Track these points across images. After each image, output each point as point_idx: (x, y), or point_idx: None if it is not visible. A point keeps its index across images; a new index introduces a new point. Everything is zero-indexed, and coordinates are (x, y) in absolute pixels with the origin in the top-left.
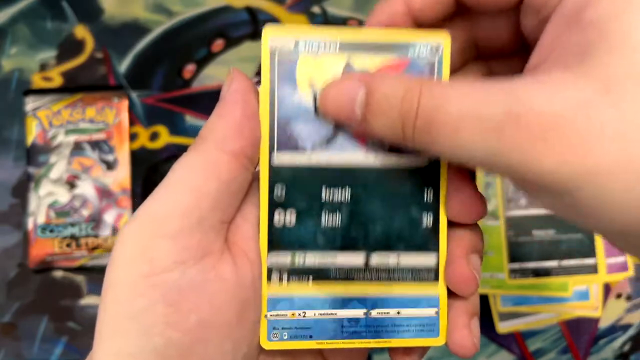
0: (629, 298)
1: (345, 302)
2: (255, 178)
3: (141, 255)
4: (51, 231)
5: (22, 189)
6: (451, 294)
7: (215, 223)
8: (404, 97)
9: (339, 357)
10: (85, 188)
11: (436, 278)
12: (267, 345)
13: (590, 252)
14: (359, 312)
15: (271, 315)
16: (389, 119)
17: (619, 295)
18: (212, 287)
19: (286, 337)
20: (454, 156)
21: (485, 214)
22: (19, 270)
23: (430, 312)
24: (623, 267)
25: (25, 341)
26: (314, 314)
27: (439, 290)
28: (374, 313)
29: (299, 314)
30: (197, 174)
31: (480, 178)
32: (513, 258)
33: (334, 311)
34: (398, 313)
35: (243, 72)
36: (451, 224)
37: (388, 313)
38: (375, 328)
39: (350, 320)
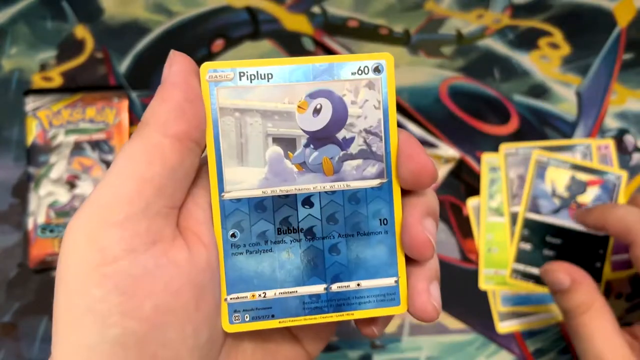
0: (629, 298)
1: (305, 279)
2: (205, 162)
3: (90, 246)
4: (51, 231)
5: (22, 189)
6: (410, 261)
7: (162, 209)
8: None
9: (307, 333)
10: (86, 188)
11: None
12: (229, 328)
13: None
14: (319, 288)
15: (231, 299)
16: None
17: (619, 295)
18: (166, 272)
19: (248, 319)
20: None
21: (436, 179)
22: (19, 270)
23: (389, 281)
24: (627, 265)
25: (25, 341)
26: (275, 294)
27: (397, 258)
28: (334, 287)
29: (259, 295)
30: (140, 159)
31: (485, 173)
32: (520, 259)
33: (294, 289)
34: (358, 285)
35: (183, 54)
36: (405, 192)
37: (348, 286)
38: (337, 302)
39: (311, 296)
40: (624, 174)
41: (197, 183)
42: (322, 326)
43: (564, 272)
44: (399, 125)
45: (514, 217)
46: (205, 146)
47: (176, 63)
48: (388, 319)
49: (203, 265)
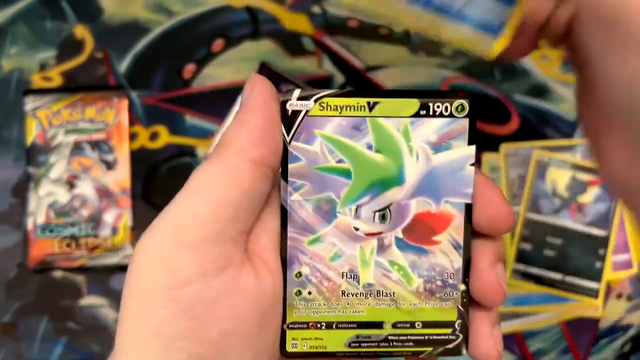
0: (629, 298)
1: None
2: (274, 187)
3: (162, 267)
4: (51, 231)
5: (21, 189)
6: (474, 303)
7: (235, 234)
8: None
9: None
10: (85, 188)
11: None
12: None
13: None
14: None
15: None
16: None
17: (619, 296)
18: (234, 298)
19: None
20: None
21: (514, 226)
22: (19, 271)
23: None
24: (628, 265)
25: (25, 341)
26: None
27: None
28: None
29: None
30: (218, 182)
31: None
32: (520, 259)
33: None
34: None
35: (265, 78)
36: (475, 235)
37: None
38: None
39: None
40: None
41: (264, 208)
42: None
43: None
44: None
45: (518, 215)
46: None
47: (257, 86)
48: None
49: (269, 292)
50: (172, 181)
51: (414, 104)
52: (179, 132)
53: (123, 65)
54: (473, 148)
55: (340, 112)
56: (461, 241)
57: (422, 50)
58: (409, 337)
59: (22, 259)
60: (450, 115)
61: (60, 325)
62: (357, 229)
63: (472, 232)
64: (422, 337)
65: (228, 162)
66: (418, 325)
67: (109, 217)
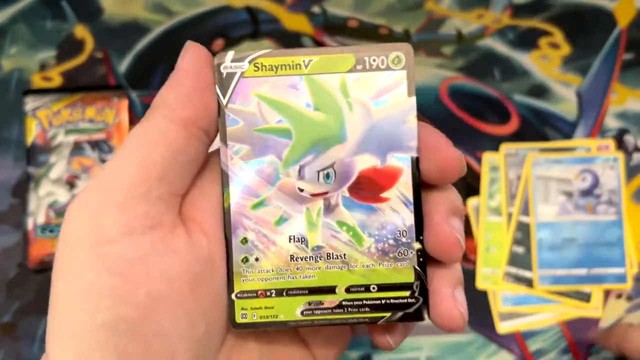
0: (629, 298)
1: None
2: (213, 154)
3: (88, 225)
4: (51, 231)
5: (21, 189)
6: (431, 264)
7: (163, 194)
8: None
9: (315, 337)
10: None
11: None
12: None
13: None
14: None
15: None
16: None
17: (619, 296)
18: (163, 259)
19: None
20: None
21: (464, 172)
22: (19, 270)
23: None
24: (622, 279)
25: (25, 341)
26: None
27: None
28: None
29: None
30: (145, 143)
31: (485, 172)
32: (512, 262)
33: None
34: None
35: (199, 44)
36: (426, 186)
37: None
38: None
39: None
40: (620, 155)
41: (203, 175)
42: (332, 331)
43: None
44: None
45: (511, 217)
46: (215, 136)
47: (190, 52)
48: (406, 328)
49: (203, 255)
50: None
51: (349, 58)
52: None
53: (123, 65)
54: (413, 99)
55: (276, 72)
56: (411, 197)
57: (422, 50)
58: (364, 301)
59: (22, 259)
60: (387, 68)
61: None
62: (301, 190)
63: (423, 185)
64: (378, 302)
65: (155, 123)
66: (373, 288)
67: None
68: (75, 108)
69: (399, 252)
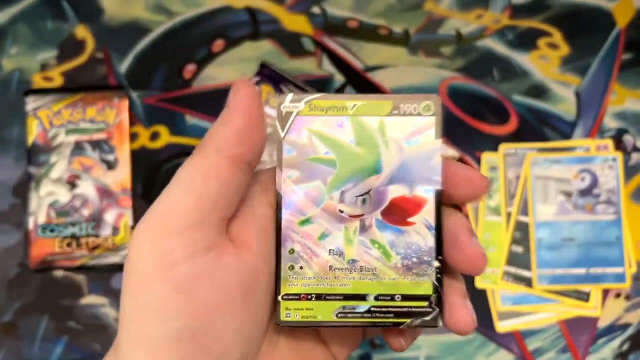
0: (628, 298)
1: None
2: (256, 180)
3: (154, 250)
4: (52, 231)
5: (22, 188)
6: (447, 277)
7: (216, 220)
8: None
9: (335, 337)
10: (86, 188)
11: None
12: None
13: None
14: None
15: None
16: None
17: (618, 295)
18: (218, 275)
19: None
20: None
21: (489, 186)
22: (20, 270)
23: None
24: (621, 279)
25: (25, 341)
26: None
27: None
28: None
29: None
30: (199, 176)
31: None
32: (510, 262)
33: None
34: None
35: (249, 81)
36: (451, 212)
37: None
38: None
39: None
40: (619, 155)
41: (247, 198)
42: (348, 333)
43: None
44: None
45: (510, 217)
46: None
47: (241, 89)
48: (416, 333)
49: (250, 270)
50: None
51: (388, 105)
52: (180, 132)
53: (124, 66)
54: (440, 141)
55: (326, 112)
56: (433, 222)
57: (422, 51)
58: (390, 309)
59: (23, 259)
60: (419, 114)
61: (61, 324)
62: (342, 212)
63: (452, 207)
64: (401, 310)
65: (208, 157)
66: (398, 298)
67: (109, 217)
68: (76, 108)
69: (421, 268)
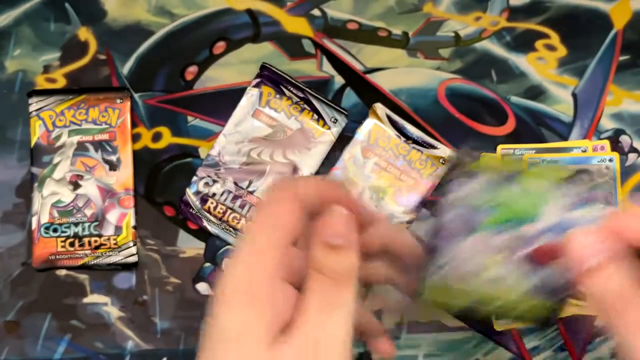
0: None
1: None
2: None
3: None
4: (54, 230)
5: (25, 188)
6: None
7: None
8: None
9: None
10: (89, 188)
11: None
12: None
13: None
14: None
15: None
16: None
17: None
18: None
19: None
20: None
21: None
22: (23, 269)
23: None
24: None
25: (28, 339)
26: None
27: None
28: None
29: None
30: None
31: None
32: None
33: None
34: None
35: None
36: None
37: None
38: None
39: None
40: (616, 155)
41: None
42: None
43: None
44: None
45: None
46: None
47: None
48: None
49: None
50: (174, 181)
51: (564, 173)
52: (181, 133)
53: (126, 67)
54: (606, 209)
55: (502, 168)
56: None
57: (421, 52)
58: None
59: (26, 258)
60: (592, 188)
61: (64, 323)
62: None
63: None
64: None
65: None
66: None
67: (112, 216)
68: (79, 109)
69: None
